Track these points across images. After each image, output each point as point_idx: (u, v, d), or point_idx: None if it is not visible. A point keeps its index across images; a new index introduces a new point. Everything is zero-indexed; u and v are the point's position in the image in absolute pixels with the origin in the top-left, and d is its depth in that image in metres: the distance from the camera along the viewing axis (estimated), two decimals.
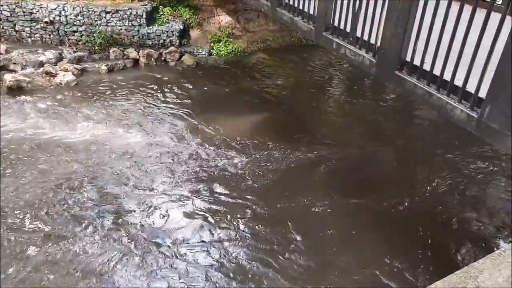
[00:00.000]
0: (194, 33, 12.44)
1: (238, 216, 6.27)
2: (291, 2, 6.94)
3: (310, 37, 6.56)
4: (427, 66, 3.99)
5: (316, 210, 6.45)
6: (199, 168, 7.29)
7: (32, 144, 7.60)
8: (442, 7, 3.63)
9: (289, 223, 6.13)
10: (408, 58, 4.25)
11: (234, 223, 6.13)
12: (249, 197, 6.64)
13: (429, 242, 5.91)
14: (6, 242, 5.51)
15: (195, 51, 12.11)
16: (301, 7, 6.61)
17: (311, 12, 6.24)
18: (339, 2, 5.40)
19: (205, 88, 10.38)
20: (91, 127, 8.29)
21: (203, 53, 12.17)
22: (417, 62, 4.12)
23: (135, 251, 5.52)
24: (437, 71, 3.85)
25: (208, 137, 8.25)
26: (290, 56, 12.78)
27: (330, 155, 7.84)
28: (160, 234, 5.84)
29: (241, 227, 6.07)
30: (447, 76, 3.75)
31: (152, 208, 6.32)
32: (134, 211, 6.23)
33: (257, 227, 6.09)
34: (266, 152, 7.82)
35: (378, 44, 4.62)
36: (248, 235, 5.92)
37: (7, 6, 10.98)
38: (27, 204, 6.16)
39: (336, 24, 5.54)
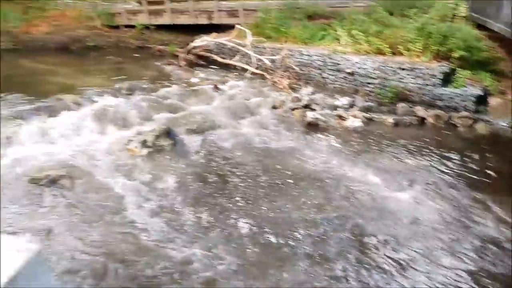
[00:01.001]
0: (493, 101, 11.25)
1: None
2: None
3: None
4: None
5: None
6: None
7: (322, 176, 8.41)
8: None
9: None
10: None
11: None
12: None
13: None
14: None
15: (492, 120, 10.87)
16: None
17: None
18: None
19: (495, 164, 9.00)
20: (372, 176, 8.44)
21: (503, 124, 10.76)
22: None
23: None
24: None
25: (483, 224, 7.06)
26: None
27: None
28: None
29: None
30: None
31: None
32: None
33: None
34: None
35: None
36: None
37: (321, 56, 13.06)
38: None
39: None
